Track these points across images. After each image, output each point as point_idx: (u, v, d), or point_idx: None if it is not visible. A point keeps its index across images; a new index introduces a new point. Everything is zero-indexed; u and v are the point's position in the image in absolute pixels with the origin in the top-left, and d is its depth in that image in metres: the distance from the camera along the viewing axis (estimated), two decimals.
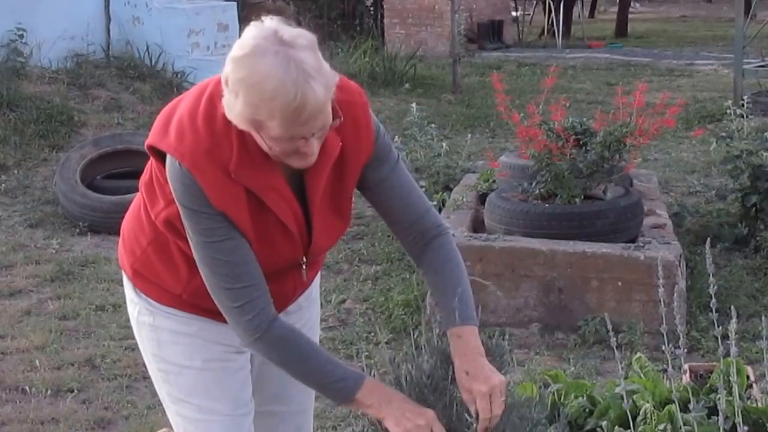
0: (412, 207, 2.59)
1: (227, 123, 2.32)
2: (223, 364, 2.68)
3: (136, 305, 2.72)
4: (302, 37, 2.27)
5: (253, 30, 2.25)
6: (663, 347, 2.87)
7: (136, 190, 2.68)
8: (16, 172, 8.86)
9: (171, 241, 2.53)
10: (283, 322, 2.48)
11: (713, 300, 2.81)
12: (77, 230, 7.60)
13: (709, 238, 3.21)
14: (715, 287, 2.78)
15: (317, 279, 2.87)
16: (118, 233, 2.80)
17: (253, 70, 2.21)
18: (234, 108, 2.25)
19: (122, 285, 2.79)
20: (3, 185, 8.57)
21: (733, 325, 2.71)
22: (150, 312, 2.69)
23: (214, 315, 2.54)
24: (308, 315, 2.84)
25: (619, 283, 5.37)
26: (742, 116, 7.45)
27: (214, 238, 2.40)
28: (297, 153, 2.30)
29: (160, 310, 2.66)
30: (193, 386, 2.67)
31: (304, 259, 2.58)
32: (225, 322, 2.50)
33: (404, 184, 2.59)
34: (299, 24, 2.42)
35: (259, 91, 2.20)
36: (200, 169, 2.34)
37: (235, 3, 12.22)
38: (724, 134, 7.49)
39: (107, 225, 7.28)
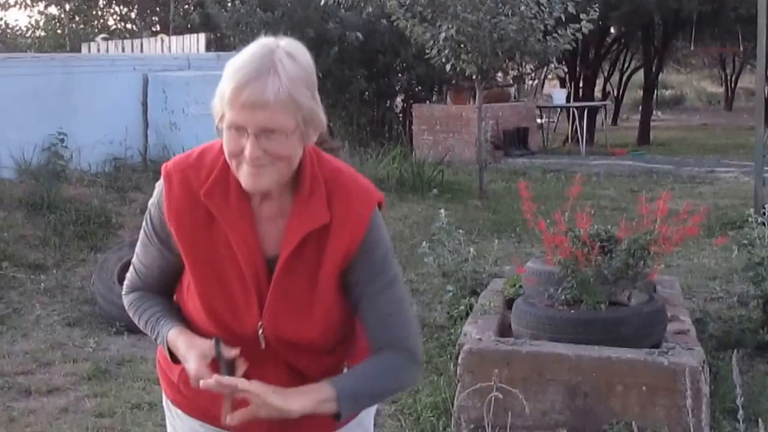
0: (386, 331, 2.52)
1: (218, 155, 2.46)
2: None
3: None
4: (299, 50, 2.37)
5: None
6: None
7: None
8: (55, 272, 9.02)
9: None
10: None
11: (740, 411, 2.87)
12: (114, 330, 7.70)
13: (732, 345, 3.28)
14: (742, 398, 2.85)
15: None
16: None
17: (237, 56, 2.35)
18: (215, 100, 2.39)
19: (157, 384, 2.95)
20: (42, 285, 8.71)
21: None
22: (169, 417, 2.81)
23: (211, 419, 2.60)
24: None
25: (644, 389, 5.41)
26: (763, 224, 7.58)
27: (148, 241, 2.57)
28: (243, 155, 2.34)
29: (172, 411, 2.78)
30: None
31: (261, 332, 2.48)
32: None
33: (387, 309, 2.51)
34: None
35: (231, 63, 2.34)
36: (170, 182, 2.48)
37: None
38: (745, 241, 7.59)
39: None
